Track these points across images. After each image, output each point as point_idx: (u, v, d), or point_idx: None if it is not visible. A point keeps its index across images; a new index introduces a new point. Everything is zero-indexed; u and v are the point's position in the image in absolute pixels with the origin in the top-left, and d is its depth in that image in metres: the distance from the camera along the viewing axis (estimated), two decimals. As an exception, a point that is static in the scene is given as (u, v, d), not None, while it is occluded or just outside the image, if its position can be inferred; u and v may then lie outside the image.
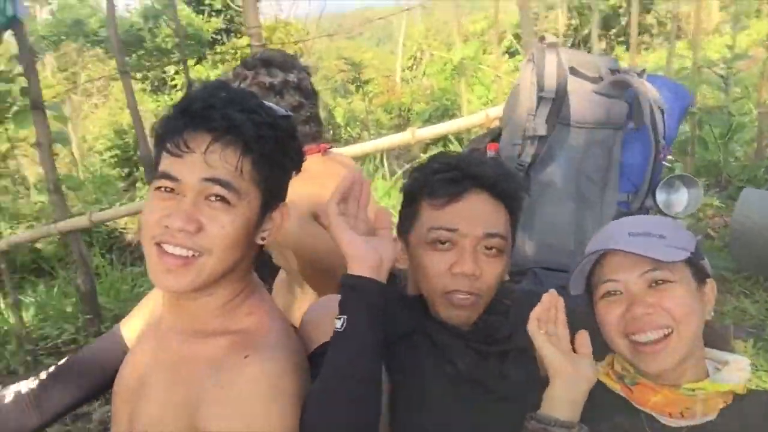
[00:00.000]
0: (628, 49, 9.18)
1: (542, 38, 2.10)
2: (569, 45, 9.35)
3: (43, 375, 1.35)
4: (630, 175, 2.08)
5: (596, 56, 2.19)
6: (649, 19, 9.86)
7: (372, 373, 1.06)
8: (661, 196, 2.00)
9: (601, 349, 1.25)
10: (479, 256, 1.22)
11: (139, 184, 7.47)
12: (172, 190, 1.03)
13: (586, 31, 9.55)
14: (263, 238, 1.11)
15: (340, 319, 1.05)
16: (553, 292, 1.17)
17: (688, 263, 1.13)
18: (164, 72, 9.84)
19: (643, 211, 2.03)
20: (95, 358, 1.36)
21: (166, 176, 1.03)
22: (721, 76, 3.00)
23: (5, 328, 4.32)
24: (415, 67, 12.21)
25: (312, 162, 1.95)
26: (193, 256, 1.03)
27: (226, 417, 0.98)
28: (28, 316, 4.56)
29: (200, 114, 1.03)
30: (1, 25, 3.01)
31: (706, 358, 1.17)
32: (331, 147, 2.05)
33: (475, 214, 1.23)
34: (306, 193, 1.88)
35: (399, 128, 8.89)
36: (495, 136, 2.31)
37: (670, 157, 2.04)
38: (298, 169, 1.18)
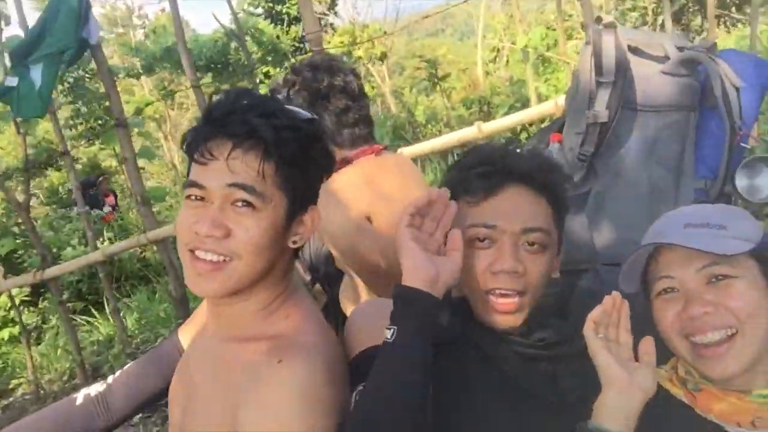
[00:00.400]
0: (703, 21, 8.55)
1: (599, 18, 1.98)
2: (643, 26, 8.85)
3: (110, 379, 1.43)
4: (707, 160, 1.93)
5: (661, 34, 2.04)
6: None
7: (419, 385, 1.04)
8: (741, 182, 1.83)
9: (666, 353, 1.17)
10: (520, 252, 1.17)
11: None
12: (202, 198, 1.07)
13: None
14: (295, 242, 1.13)
15: (390, 329, 1.05)
16: (616, 294, 1.10)
17: (755, 257, 1.04)
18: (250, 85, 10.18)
19: (723, 198, 1.87)
20: (155, 362, 1.43)
21: (194, 184, 1.07)
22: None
23: (109, 332, 4.63)
24: (498, 59, 11.98)
25: (366, 164, 1.95)
26: (224, 260, 1.06)
27: (259, 421, 1.00)
28: (131, 320, 4.87)
29: (221, 121, 1.06)
30: (71, 51, 3.21)
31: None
32: (385, 148, 2.03)
33: (514, 208, 1.19)
34: (360, 196, 1.88)
35: (471, 123, 8.74)
36: (560, 126, 2.22)
37: (753, 137, 1.87)
38: (329, 173, 1.19)
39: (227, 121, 1.06)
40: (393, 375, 1.03)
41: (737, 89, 1.83)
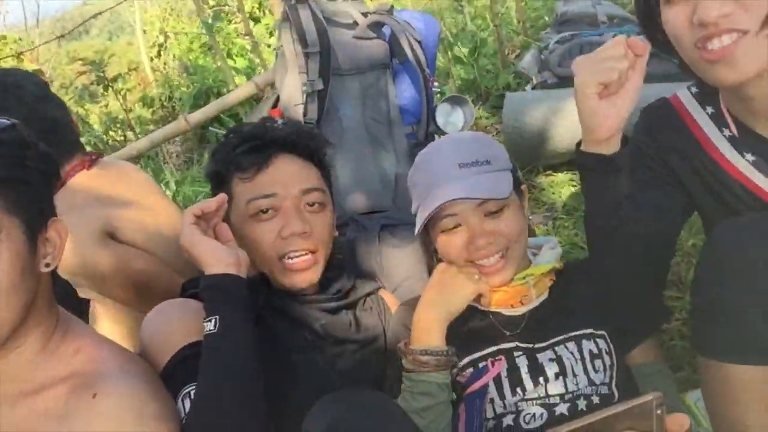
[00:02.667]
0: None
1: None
2: None
3: None
4: (409, 108, 2.20)
5: (345, 3, 2.25)
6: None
7: (257, 365, 1.05)
8: (440, 120, 2.14)
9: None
10: (304, 214, 1.24)
11: None
12: None
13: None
14: (48, 264, 0.99)
15: (211, 321, 1.04)
16: None
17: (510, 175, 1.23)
18: None
19: (429, 138, 2.16)
20: None
21: None
22: (457, 1, 3.26)
23: None
24: (162, 53, 11.52)
25: (86, 180, 1.79)
26: None
27: None
28: None
29: None
30: None
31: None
32: (99, 156, 1.88)
33: (287, 175, 1.26)
34: (95, 214, 1.73)
35: (166, 120, 8.39)
36: (274, 102, 2.30)
37: (436, 83, 2.18)
38: (57, 176, 1.07)
39: None
40: (226, 364, 1.03)
41: (420, 43, 2.11)
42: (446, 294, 1.16)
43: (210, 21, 3.43)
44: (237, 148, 1.27)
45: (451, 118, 2.16)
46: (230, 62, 8.35)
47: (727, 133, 1.14)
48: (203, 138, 5.88)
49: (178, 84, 8.18)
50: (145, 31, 11.53)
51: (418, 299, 1.21)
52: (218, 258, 1.10)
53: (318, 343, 1.24)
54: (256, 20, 9.81)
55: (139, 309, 1.82)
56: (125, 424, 0.94)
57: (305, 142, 1.31)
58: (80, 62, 7.92)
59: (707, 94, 1.17)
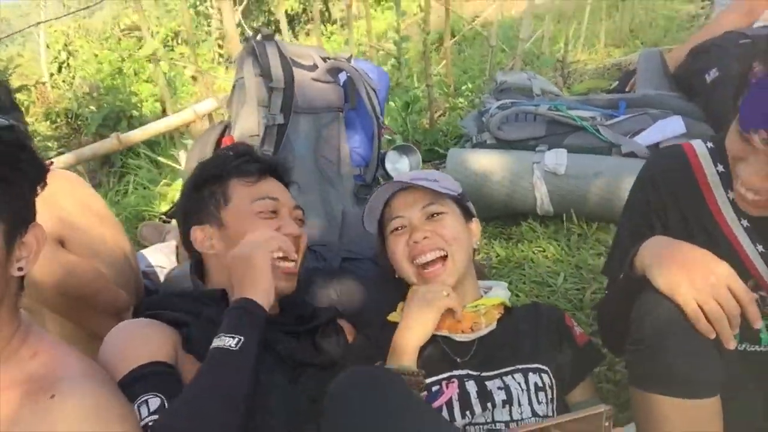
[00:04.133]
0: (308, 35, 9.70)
1: (257, 31, 2.18)
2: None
3: None
4: (358, 150, 2.31)
5: (304, 46, 2.36)
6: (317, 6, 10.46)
7: (252, 388, 1.10)
8: (389, 165, 2.27)
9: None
10: (295, 222, 1.41)
11: None
12: None
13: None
14: (20, 269, 0.98)
15: (234, 338, 1.09)
16: None
17: (456, 202, 1.40)
18: None
19: (375, 181, 2.28)
20: None
21: None
22: (395, 57, 3.45)
23: None
24: (64, 69, 11.07)
25: None
26: None
27: None
28: None
29: None
30: None
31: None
32: (50, 164, 1.84)
33: (281, 189, 1.45)
34: (44, 220, 1.68)
35: (68, 138, 8.03)
36: (222, 130, 2.33)
37: (390, 130, 2.32)
38: (43, 181, 1.05)
39: None
40: (235, 379, 1.07)
41: (375, 91, 2.25)
42: (420, 314, 1.25)
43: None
44: (239, 158, 1.41)
45: (398, 164, 2.29)
46: (141, 87, 8.23)
47: (731, 195, 1.19)
48: (107, 161, 5.72)
49: (85, 102, 7.91)
50: (48, 46, 11.11)
51: (386, 327, 1.29)
52: (264, 289, 1.19)
53: (280, 365, 1.28)
54: (171, 48, 9.74)
55: (76, 320, 1.77)
56: (86, 424, 0.93)
57: (285, 172, 1.49)
58: (-18, 67, 7.52)
59: (722, 151, 1.20)
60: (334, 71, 2.29)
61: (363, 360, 1.30)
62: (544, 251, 2.10)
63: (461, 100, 3.80)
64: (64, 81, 10.73)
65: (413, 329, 1.23)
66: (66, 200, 1.78)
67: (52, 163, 1.85)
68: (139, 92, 7.99)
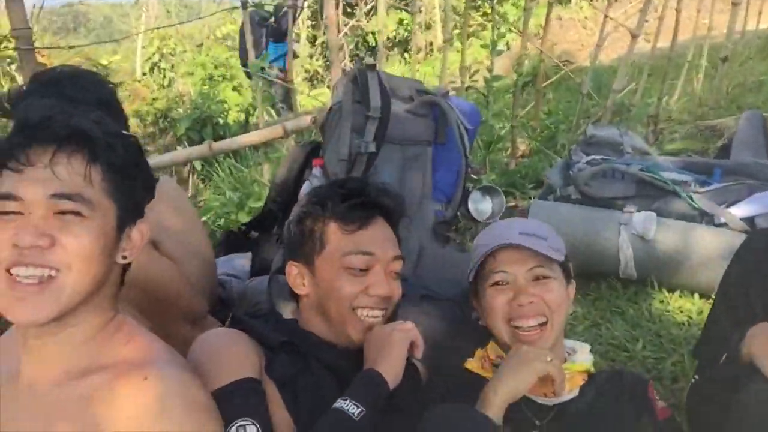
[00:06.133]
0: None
1: (361, 59, 2.23)
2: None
3: None
4: (442, 186, 2.31)
5: (403, 78, 2.39)
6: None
7: None
8: (471, 205, 2.25)
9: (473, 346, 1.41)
10: (389, 278, 1.31)
11: None
12: (18, 212, 0.95)
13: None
14: (124, 257, 1.06)
15: (358, 407, 1.12)
16: None
17: (561, 265, 1.35)
18: None
19: (456, 219, 2.27)
20: None
21: (8, 197, 0.94)
22: (484, 95, 3.46)
23: None
24: (156, 70, 11.61)
25: None
26: (50, 276, 0.95)
27: None
28: None
29: (40, 125, 0.97)
30: None
31: (561, 347, 1.39)
32: None
33: (383, 238, 1.33)
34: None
35: (154, 136, 8.40)
36: (313, 150, 2.38)
37: (478, 170, 2.31)
38: (152, 192, 1.15)
39: (47, 125, 0.96)
40: None
41: (467, 130, 2.25)
42: (518, 372, 1.21)
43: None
44: (345, 200, 1.32)
45: (480, 205, 2.27)
46: (229, 95, 8.51)
47: None
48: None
49: (175, 105, 8.27)
50: (144, 47, 11.70)
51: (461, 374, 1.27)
52: (397, 371, 1.22)
53: (341, 391, 1.28)
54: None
55: (155, 320, 1.82)
56: (173, 408, 0.97)
57: (399, 213, 1.39)
58: (88, 61, 7.99)
59: None
60: (428, 105, 2.30)
61: (439, 403, 1.29)
62: (622, 313, 2.04)
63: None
64: (155, 81, 11.27)
65: (507, 385, 1.20)
66: (162, 204, 1.85)
67: None
68: (227, 100, 8.25)
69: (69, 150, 0.96)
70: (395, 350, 1.23)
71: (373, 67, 2.18)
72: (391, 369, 1.21)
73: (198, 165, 5.25)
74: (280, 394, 1.21)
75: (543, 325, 1.28)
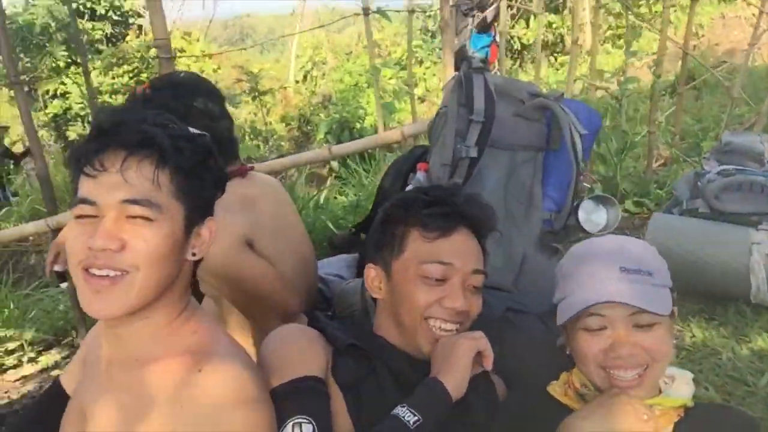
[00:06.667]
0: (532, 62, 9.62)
1: (468, 61, 2.17)
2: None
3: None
4: (552, 194, 2.19)
5: (517, 80, 2.29)
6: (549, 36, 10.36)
7: None
8: (582, 215, 2.11)
9: (558, 368, 1.30)
10: (466, 292, 1.25)
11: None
12: (94, 215, 1.01)
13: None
14: (194, 254, 1.10)
15: (415, 415, 1.09)
16: None
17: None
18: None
19: (566, 229, 2.14)
20: (40, 415, 1.30)
21: (85, 201, 1.01)
22: (616, 98, 3.24)
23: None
24: (308, 78, 12.26)
25: (239, 187, 1.90)
26: (121, 275, 1.01)
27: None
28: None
29: (113, 131, 1.02)
30: None
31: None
32: (252, 168, 2.00)
33: (465, 249, 1.27)
34: (240, 220, 1.83)
35: (298, 140, 8.88)
36: (421, 155, 2.36)
37: (591, 178, 2.17)
38: (222, 188, 1.17)
39: (119, 131, 1.02)
40: None
41: (580, 135, 2.11)
42: (607, 421, 1.09)
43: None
44: (428, 206, 1.28)
45: (593, 216, 2.12)
46: (371, 101, 8.74)
47: None
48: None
49: (317, 111, 8.68)
50: (298, 56, 12.39)
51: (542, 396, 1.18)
52: (460, 382, 1.17)
53: None
54: (403, 68, 10.24)
55: (249, 315, 1.90)
56: (224, 401, 0.99)
57: (487, 225, 1.33)
58: (241, 69, 8.63)
59: None
60: (541, 109, 2.19)
61: (517, 424, 1.21)
62: (749, 342, 1.80)
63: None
64: (306, 89, 11.91)
65: (591, 426, 1.10)
66: (263, 205, 1.92)
67: (252, 167, 2.01)
68: (369, 106, 8.48)
69: (139, 155, 1.01)
70: (460, 360, 1.18)
71: (480, 69, 2.12)
72: (454, 379, 1.16)
73: (336, 166, 5.48)
74: (343, 398, 1.20)
75: (643, 371, 1.13)
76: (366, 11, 2.95)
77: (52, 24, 9.59)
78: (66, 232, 1.92)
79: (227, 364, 1.04)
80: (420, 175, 2.21)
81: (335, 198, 3.81)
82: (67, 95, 9.65)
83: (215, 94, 1.91)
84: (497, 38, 6.28)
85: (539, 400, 1.27)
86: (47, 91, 9.96)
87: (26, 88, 10.06)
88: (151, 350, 1.07)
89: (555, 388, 1.29)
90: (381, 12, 3.07)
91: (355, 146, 3.16)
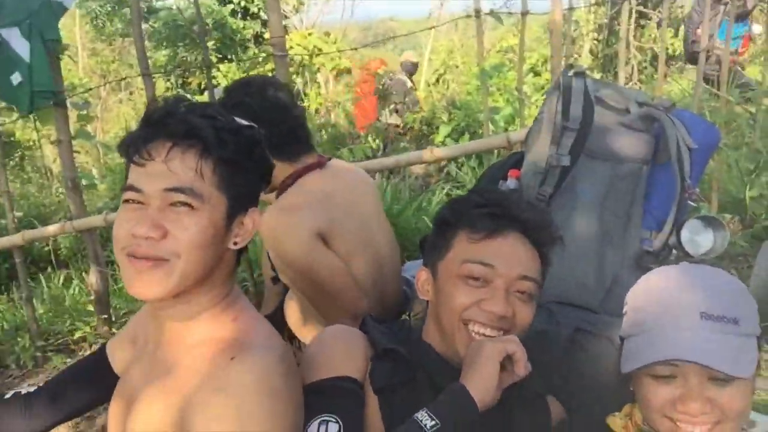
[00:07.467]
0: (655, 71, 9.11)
1: (570, 66, 2.06)
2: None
3: (41, 383, 1.38)
4: (654, 212, 2.03)
5: (625, 88, 2.15)
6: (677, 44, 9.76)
7: None
8: (685, 236, 1.94)
9: (620, 400, 1.21)
10: (511, 297, 1.20)
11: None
12: (140, 202, 1.05)
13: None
14: (236, 243, 1.12)
15: (433, 420, 1.06)
16: None
17: None
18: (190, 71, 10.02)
19: (666, 250, 1.97)
20: (82, 376, 1.41)
21: (132, 188, 1.06)
22: (750, 112, 2.94)
23: (17, 322, 4.33)
24: (440, 82, 12.28)
25: (316, 180, 1.93)
26: (163, 260, 1.05)
27: (219, 420, 0.99)
28: (42, 309, 4.56)
29: (160, 122, 1.07)
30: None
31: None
32: (330, 159, 2.03)
33: (513, 254, 1.22)
34: (314, 215, 1.86)
35: (419, 141, 8.95)
36: (517, 161, 2.28)
37: (699, 195, 1.98)
38: (267, 180, 1.19)
39: (166, 122, 1.06)
40: None
41: (690, 149, 1.94)
42: None
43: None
44: (478, 207, 1.26)
45: (698, 237, 1.94)
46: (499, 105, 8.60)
47: None
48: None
49: (439, 113, 8.67)
50: (430, 59, 12.44)
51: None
52: (487, 387, 1.11)
53: None
54: (537, 74, 9.98)
55: (319, 308, 1.93)
56: (247, 391, 1.00)
57: (543, 233, 1.28)
58: (366, 71, 8.83)
59: None
60: (649, 119, 2.04)
61: None
62: None
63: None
64: (438, 91, 11.94)
65: None
66: (340, 201, 1.94)
67: (330, 158, 2.03)
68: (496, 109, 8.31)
69: (184, 146, 1.05)
70: (485, 364, 1.11)
71: (581, 74, 2.01)
72: (478, 384, 1.10)
73: (453, 170, 5.46)
74: (377, 402, 1.19)
75: (713, 426, 1.01)
76: (477, 13, 2.90)
77: (209, 22, 10.35)
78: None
79: (259, 355, 1.06)
80: (510, 182, 2.13)
81: (445, 199, 3.78)
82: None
83: (284, 87, 1.98)
84: (752, 28, 6.02)
85: (595, 431, 1.18)
86: (198, 84, 10.70)
87: (179, 81, 10.94)
88: (192, 334, 1.11)
89: (615, 420, 1.19)
90: (493, 14, 3.01)
91: (456, 150, 3.12)
